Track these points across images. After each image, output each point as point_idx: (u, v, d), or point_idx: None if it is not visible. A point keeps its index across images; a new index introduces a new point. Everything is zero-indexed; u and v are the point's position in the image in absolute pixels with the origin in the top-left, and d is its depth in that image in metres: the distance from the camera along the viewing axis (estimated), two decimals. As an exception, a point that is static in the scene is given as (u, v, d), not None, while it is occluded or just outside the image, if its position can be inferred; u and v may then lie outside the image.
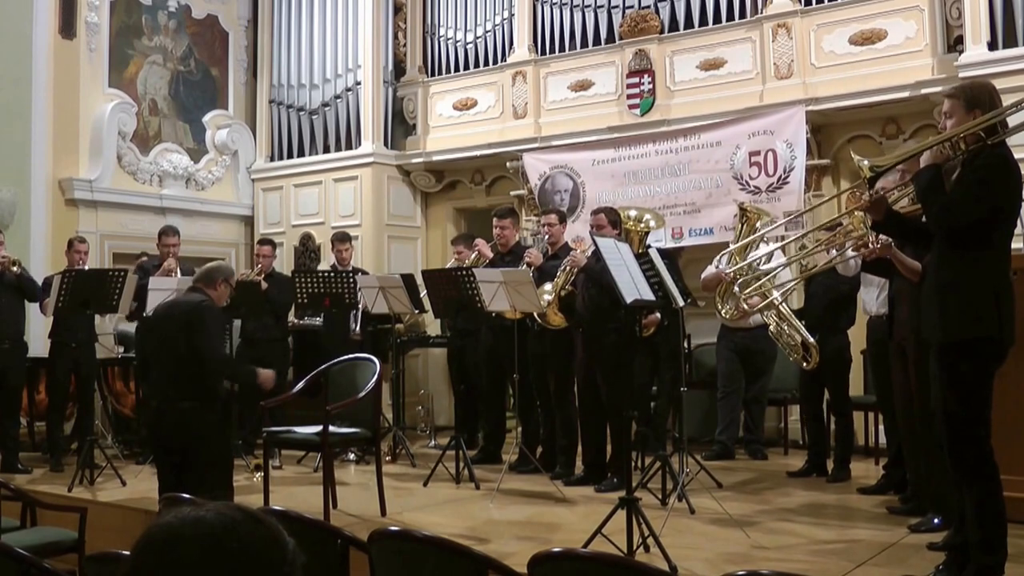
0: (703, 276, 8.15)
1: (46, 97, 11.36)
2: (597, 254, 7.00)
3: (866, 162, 4.84)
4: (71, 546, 5.57)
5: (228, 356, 6.22)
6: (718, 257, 8.45)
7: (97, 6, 11.96)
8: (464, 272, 7.99)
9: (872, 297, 7.12)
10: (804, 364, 7.76)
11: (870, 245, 5.71)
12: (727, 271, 7.52)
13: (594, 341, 7.64)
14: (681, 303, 6.91)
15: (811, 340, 7.70)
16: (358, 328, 9.77)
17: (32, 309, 9.48)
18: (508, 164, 11.43)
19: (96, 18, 11.97)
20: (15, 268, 8.95)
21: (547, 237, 8.41)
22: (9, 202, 10.77)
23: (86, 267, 9.44)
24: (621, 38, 10.81)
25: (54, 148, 11.45)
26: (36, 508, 5.90)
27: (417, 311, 9.38)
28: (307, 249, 12.56)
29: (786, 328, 7.79)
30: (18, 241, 9.59)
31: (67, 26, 11.70)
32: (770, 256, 7.54)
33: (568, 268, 7.84)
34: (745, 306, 7.93)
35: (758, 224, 7.69)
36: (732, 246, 7.85)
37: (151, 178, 12.43)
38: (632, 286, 5.96)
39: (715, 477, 7.52)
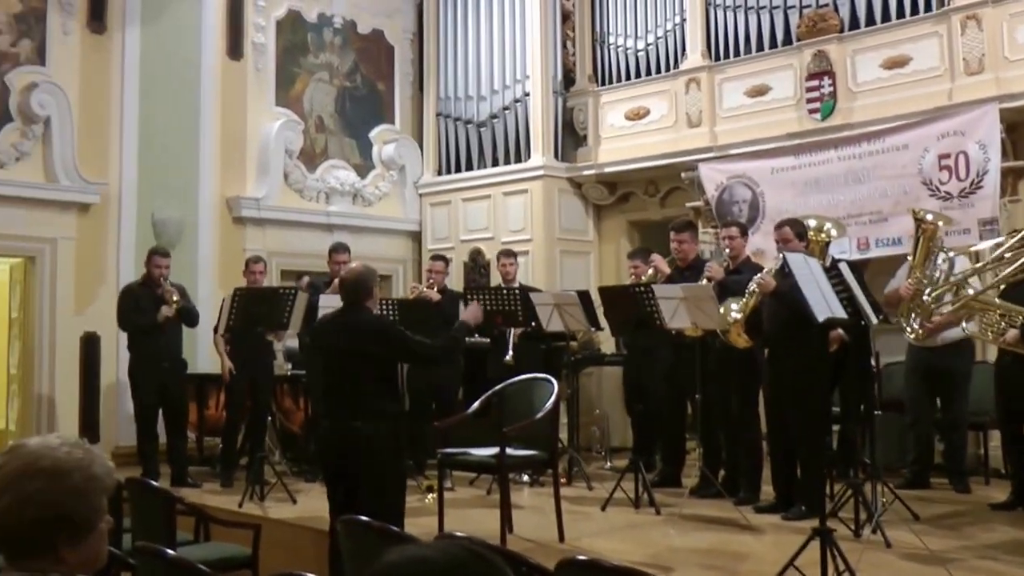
0: (885, 291, 7.88)
1: (214, 118, 11.82)
2: (784, 270, 6.83)
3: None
4: (244, 562, 5.69)
5: (432, 345, 6.19)
6: (900, 270, 8.17)
7: (263, 27, 12.35)
8: (643, 288, 7.91)
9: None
10: None
11: None
12: (908, 287, 7.27)
13: (780, 360, 7.45)
14: (875, 320, 6.68)
15: None
16: (511, 353, 9.61)
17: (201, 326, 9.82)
18: (683, 175, 11.28)
19: (263, 39, 12.36)
20: (175, 302, 9.18)
21: (728, 251, 8.24)
22: (176, 222, 11.18)
23: (261, 287, 9.69)
24: (799, 39, 10.59)
25: (221, 167, 11.88)
26: (209, 523, 6.05)
27: (594, 329, 9.32)
28: (476, 265, 12.65)
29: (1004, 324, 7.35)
30: (185, 260, 9.93)
31: (234, 48, 12.12)
32: (951, 265, 7.25)
33: (757, 291, 7.59)
34: (931, 323, 7.64)
35: (939, 232, 7.41)
36: (910, 259, 7.61)
37: (318, 195, 12.74)
38: (823, 303, 5.79)
39: (911, 508, 7.17)
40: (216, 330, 9.48)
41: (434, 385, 9.55)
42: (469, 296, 9.46)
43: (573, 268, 12.28)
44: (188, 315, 9.45)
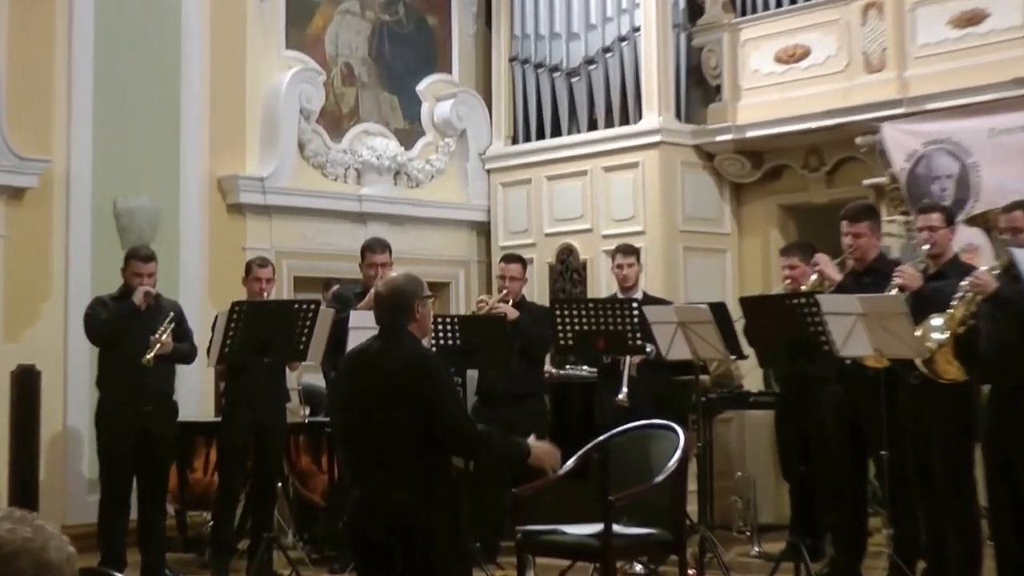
0: None
1: (200, 69, 11.81)
2: (1012, 272, 6.69)
3: None
4: None
5: (481, 430, 6.17)
6: None
7: (271, -60, 12.35)
8: (803, 300, 7.82)
9: None
10: None
11: None
12: None
13: (1005, 401, 7.30)
14: None
15: None
16: (625, 390, 9.56)
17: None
18: (858, 140, 11.16)
19: (268, -42, 12.37)
20: (163, 341, 9.16)
21: (926, 247, 8.11)
22: (149, 212, 11.20)
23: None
24: (1030, -57, 10.47)
25: (211, 137, 11.91)
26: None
27: (734, 357, 9.22)
28: (567, 268, 12.65)
29: None
30: (163, 264, 9.71)
31: (228, -28, 12.11)
32: None
33: (969, 295, 7.47)
34: None
35: None
36: None
37: (345, 172, 12.81)
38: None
39: None
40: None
41: (509, 429, 9.34)
42: (558, 311, 9.45)
43: (703, 271, 12.25)
44: (181, 356, 9.52)
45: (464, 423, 6.06)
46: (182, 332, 9.47)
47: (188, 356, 9.57)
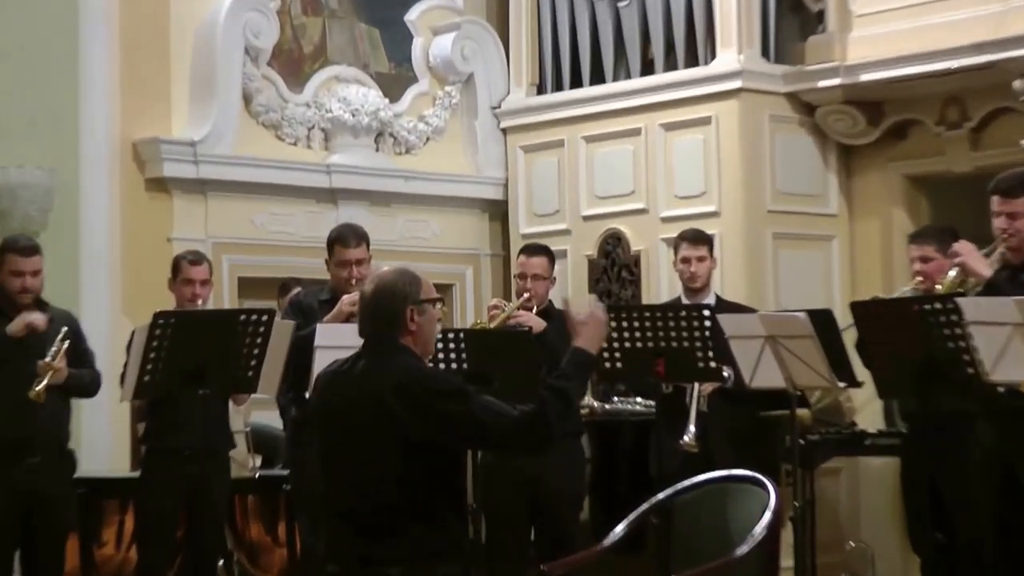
0: None
1: (105, -1, 11.82)
2: None
3: None
4: None
5: (522, 416, 6.07)
6: None
7: None
8: (940, 306, 7.77)
9: None
10: None
11: None
12: None
13: None
14: None
15: None
16: (693, 429, 9.52)
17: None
18: (1016, 84, 11.13)
19: None
20: (56, 367, 9.07)
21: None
22: (38, 189, 11.14)
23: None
24: None
25: (123, 87, 11.95)
26: None
27: (843, 384, 9.15)
28: (613, 263, 12.72)
29: None
30: (58, 259, 9.76)
31: None
32: None
33: None
34: None
35: None
36: None
37: (309, 133, 12.94)
38: None
39: None
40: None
41: (533, 485, 9.54)
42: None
43: (800, 266, 12.35)
44: (80, 386, 9.47)
45: (504, 420, 5.92)
46: (80, 354, 9.40)
47: (90, 387, 9.54)
